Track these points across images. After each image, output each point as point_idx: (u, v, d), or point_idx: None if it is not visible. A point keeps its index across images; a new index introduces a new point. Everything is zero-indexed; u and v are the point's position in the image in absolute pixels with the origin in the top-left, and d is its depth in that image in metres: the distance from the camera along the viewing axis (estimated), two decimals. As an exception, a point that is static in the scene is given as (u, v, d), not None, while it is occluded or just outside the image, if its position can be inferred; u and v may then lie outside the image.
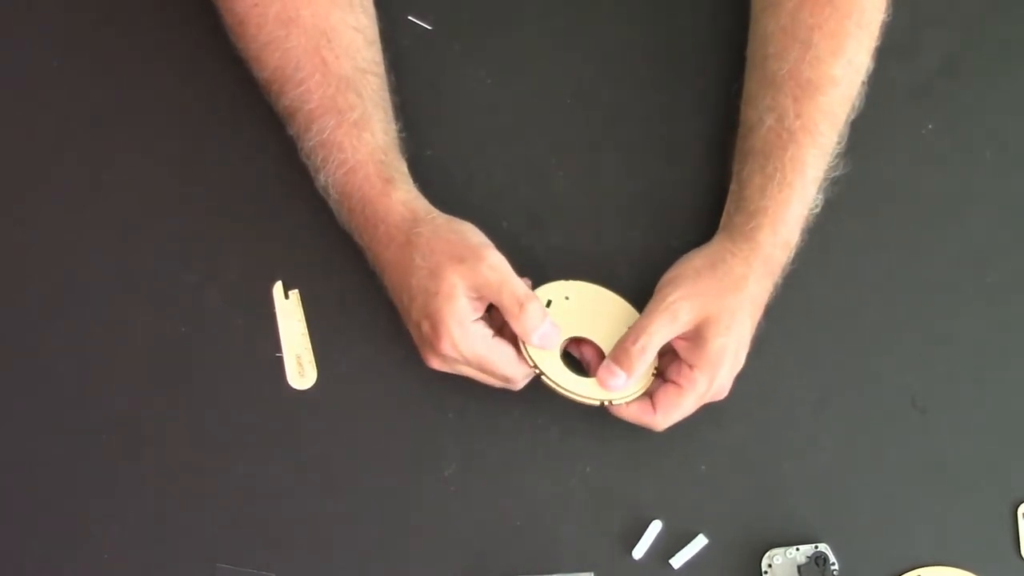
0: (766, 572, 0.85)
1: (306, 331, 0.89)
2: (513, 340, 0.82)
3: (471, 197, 0.90)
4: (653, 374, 0.83)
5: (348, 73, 0.84)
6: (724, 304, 0.81)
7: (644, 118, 0.93)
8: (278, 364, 0.89)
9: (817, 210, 0.85)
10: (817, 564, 0.84)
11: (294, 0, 0.84)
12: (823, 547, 0.85)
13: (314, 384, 0.89)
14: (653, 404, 0.82)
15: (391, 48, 0.89)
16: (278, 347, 0.89)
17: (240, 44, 0.86)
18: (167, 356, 0.89)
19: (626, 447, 0.87)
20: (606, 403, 0.82)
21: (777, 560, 0.85)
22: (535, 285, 0.84)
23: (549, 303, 0.84)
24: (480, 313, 0.81)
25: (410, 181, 0.85)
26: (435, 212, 0.83)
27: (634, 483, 0.87)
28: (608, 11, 0.94)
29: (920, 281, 0.90)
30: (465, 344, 0.80)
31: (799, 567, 0.85)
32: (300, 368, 0.89)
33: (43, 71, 0.93)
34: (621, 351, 0.81)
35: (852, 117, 0.85)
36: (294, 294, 0.90)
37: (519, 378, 0.83)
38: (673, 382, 0.82)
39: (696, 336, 0.81)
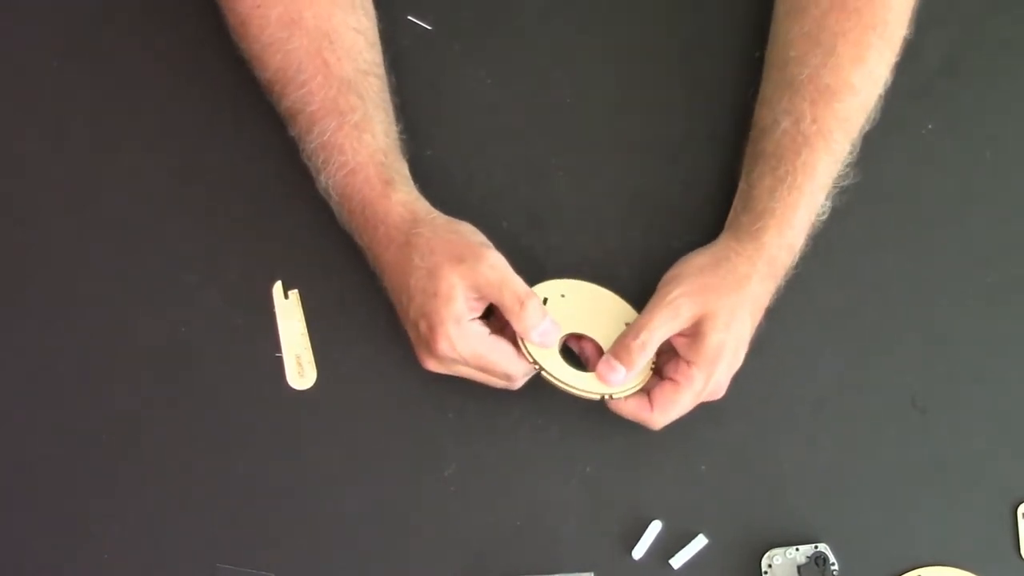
0: (766, 572, 0.85)
1: (306, 331, 0.89)
2: (512, 340, 0.82)
3: (471, 197, 0.90)
4: (651, 369, 0.83)
5: (350, 75, 0.84)
6: (725, 302, 0.81)
7: (644, 118, 0.93)
8: (278, 364, 0.89)
9: (824, 216, 0.85)
10: (817, 564, 0.84)
11: (296, 2, 0.84)
12: (823, 547, 0.85)
13: (314, 384, 0.89)
14: (651, 401, 0.82)
15: (391, 48, 0.89)
16: (278, 347, 0.89)
17: (242, 45, 0.86)
18: (167, 356, 0.89)
19: (626, 447, 0.87)
20: (605, 397, 0.82)
21: (777, 560, 0.85)
22: (531, 284, 0.84)
23: (545, 301, 0.84)
24: (478, 313, 0.81)
25: (410, 182, 0.85)
26: (435, 213, 0.83)
27: (634, 483, 0.87)
28: (608, 11, 0.94)
29: (920, 281, 0.90)
30: (462, 343, 0.80)
31: (799, 567, 0.85)
32: (300, 368, 0.89)
33: (43, 71, 0.93)
34: (622, 346, 0.81)
35: (866, 129, 0.86)
36: (294, 294, 0.90)
37: (519, 375, 0.83)
38: (671, 379, 0.82)
39: (695, 332, 0.81)
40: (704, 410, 0.83)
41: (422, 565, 0.86)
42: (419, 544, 0.86)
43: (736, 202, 0.87)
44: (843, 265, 0.90)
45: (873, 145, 0.87)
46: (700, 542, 0.86)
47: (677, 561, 0.86)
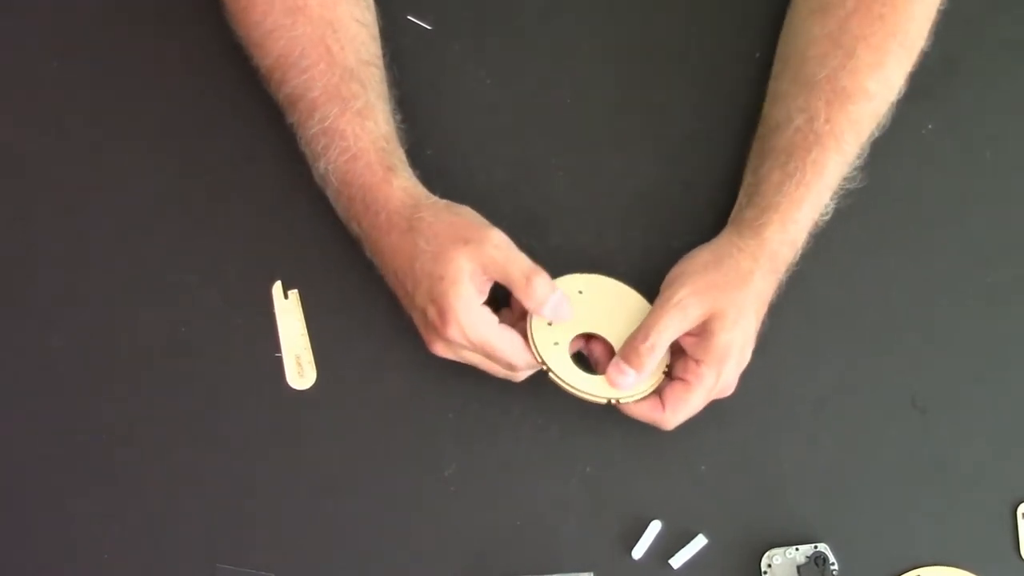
0: (766, 572, 0.85)
1: (305, 331, 0.89)
2: (522, 334, 0.82)
3: (471, 197, 0.89)
4: (664, 372, 0.83)
5: (352, 64, 0.84)
6: (731, 299, 0.81)
7: (644, 118, 0.93)
8: (278, 364, 0.89)
9: (827, 217, 0.85)
10: (817, 564, 0.84)
11: None
12: (823, 547, 0.85)
13: (313, 384, 0.89)
14: (662, 402, 0.82)
15: (391, 48, 0.89)
16: (277, 347, 0.89)
17: (243, 31, 0.86)
18: (167, 356, 0.89)
19: (626, 447, 0.87)
20: (614, 402, 0.82)
21: (777, 560, 0.85)
22: None
23: None
24: (486, 296, 0.81)
25: (409, 169, 0.85)
26: (435, 198, 0.84)
27: (634, 483, 0.87)
28: (608, 11, 0.94)
29: (920, 281, 0.90)
30: (472, 329, 0.80)
31: (799, 567, 0.85)
32: (299, 368, 0.89)
33: (43, 71, 0.93)
34: (631, 349, 0.81)
35: (876, 135, 0.86)
36: (293, 294, 0.90)
37: (523, 366, 0.83)
38: (681, 379, 0.82)
39: (703, 331, 0.81)
40: (704, 410, 0.83)
41: (422, 565, 0.86)
42: (419, 544, 0.86)
43: (740, 197, 0.87)
44: (843, 265, 0.90)
45: (873, 145, 0.87)
46: (700, 542, 0.86)
47: (677, 561, 0.86)
